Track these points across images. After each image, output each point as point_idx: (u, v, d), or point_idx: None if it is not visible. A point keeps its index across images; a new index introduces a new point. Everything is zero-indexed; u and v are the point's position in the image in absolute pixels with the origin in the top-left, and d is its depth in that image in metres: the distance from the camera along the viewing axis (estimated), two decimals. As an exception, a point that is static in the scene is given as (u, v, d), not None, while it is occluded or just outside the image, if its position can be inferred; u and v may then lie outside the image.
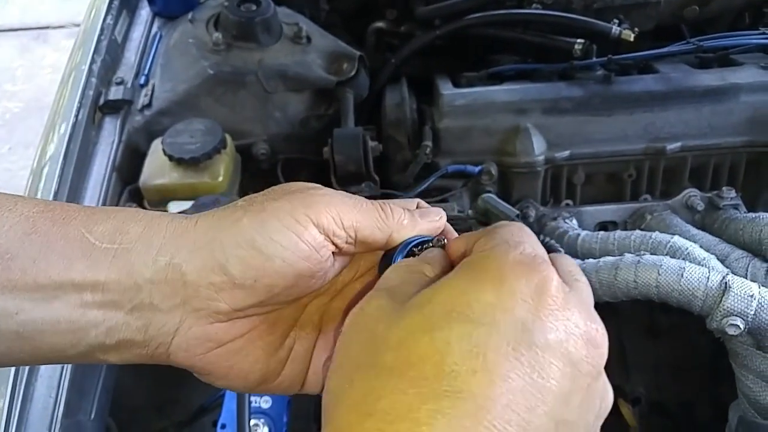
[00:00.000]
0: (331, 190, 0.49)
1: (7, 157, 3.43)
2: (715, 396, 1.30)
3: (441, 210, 0.53)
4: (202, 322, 0.46)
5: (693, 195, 1.25)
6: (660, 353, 1.39)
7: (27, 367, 0.92)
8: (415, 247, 0.50)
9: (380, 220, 0.49)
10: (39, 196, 1.07)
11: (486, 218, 1.08)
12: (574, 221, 1.27)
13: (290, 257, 0.45)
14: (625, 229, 1.28)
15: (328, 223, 0.46)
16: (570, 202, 1.32)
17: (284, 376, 0.52)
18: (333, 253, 0.48)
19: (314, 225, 0.46)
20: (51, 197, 1.06)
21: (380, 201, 0.51)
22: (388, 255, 0.50)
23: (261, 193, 0.49)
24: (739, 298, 0.92)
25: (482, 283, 0.38)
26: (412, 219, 0.51)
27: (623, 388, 1.33)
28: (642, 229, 1.24)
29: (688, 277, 0.97)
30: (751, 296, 0.92)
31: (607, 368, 0.40)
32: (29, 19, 4.35)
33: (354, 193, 1.19)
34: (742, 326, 0.92)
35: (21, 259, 0.44)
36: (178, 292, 0.45)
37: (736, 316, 0.92)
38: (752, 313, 0.92)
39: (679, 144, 1.27)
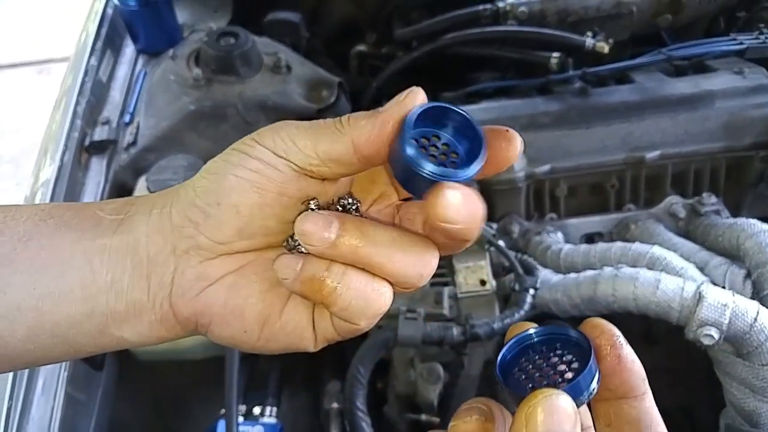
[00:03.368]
0: (296, 122, 0.48)
1: (15, 192, 3.48)
2: (714, 399, 1.30)
3: (413, 88, 0.46)
4: (192, 263, 0.48)
5: (675, 203, 1.25)
6: (657, 359, 1.39)
7: (18, 413, 0.94)
8: (421, 119, 0.44)
9: (335, 129, 0.46)
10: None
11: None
12: (559, 234, 1.28)
13: (241, 172, 0.46)
14: (610, 239, 1.29)
15: (275, 143, 0.46)
16: (554, 215, 1.33)
17: (288, 316, 0.50)
18: (307, 175, 0.47)
19: (260, 144, 0.46)
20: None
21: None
22: (393, 146, 0.45)
23: None
24: (713, 307, 0.93)
25: None
26: (372, 113, 0.45)
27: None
28: (626, 239, 1.24)
29: (664, 289, 0.98)
30: (725, 305, 0.93)
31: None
32: (31, 53, 4.41)
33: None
34: (716, 336, 0.93)
35: (38, 238, 0.48)
36: (168, 239, 0.47)
37: (710, 326, 0.93)
38: (726, 322, 0.92)
39: (658, 152, 1.28)
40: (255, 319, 0.49)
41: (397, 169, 0.44)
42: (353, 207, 0.49)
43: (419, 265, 0.46)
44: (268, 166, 0.46)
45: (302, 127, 0.46)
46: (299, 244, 0.47)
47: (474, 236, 0.45)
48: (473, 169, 0.43)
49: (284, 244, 0.49)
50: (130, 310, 0.48)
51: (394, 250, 0.46)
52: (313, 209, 0.47)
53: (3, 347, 0.47)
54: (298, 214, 0.47)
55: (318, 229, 0.44)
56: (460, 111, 0.45)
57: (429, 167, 0.42)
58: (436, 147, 0.45)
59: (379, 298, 0.46)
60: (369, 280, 0.46)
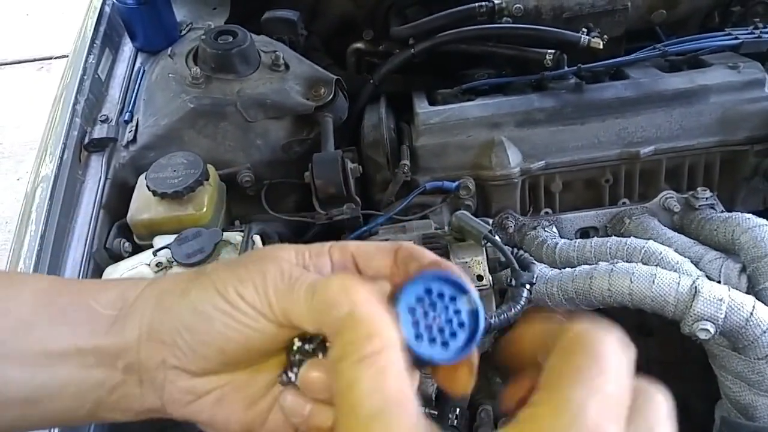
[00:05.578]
0: (290, 265, 0.49)
1: (16, 187, 3.49)
2: (708, 391, 1.31)
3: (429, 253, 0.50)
4: (183, 377, 0.50)
5: (669, 197, 1.26)
6: (652, 351, 1.40)
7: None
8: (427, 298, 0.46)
9: (313, 311, 0.46)
10: (26, 238, 1.10)
11: (461, 235, 1.10)
12: (554, 229, 1.29)
13: (230, 322, 0.48)
14: (605, 233, 1.30)
15: (253, 300, 0.48)
16: (549, 210, 1.34)
17: (270, 424, 0.53)
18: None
19: (241, 298, 0.48)
20: (38, 239, 1.09)
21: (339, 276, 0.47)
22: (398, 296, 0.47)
23: (234, 258, 0.53)
24: (709, 302, 0.94)
25: None
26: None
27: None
28: (621, 234, 1.26)
29: (659, 284, 0.99)
30: (720, 300, 0.94)
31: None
32: (31, 50, 4.41)
33: (336, 215, 1.21)
34: (712, 330, 0.94)
35: (38, 329, 0.50)
36: (159, 351, 0.50)
37: (706, 320, 0.94)
38: (722, 316, 0.93)
39: (652, 147, 1.29)
40: (240, 429, 0.52)
41: None
42: None
43: None
44: (254, 321, 0.48)
45: (282, 289, 0.48)
46: (294, 381, 0.50)
47: None
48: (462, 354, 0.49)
49: (280, 378, 0.51)
50: (121, 401, 0.51)
51: None
52: (299, 346, 0.50)
53: None
54: (292, 351, 0.50)
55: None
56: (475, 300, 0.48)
57: (439, 356, 0.47)
58: (433, 309, 0.47)
59: None
60: None
